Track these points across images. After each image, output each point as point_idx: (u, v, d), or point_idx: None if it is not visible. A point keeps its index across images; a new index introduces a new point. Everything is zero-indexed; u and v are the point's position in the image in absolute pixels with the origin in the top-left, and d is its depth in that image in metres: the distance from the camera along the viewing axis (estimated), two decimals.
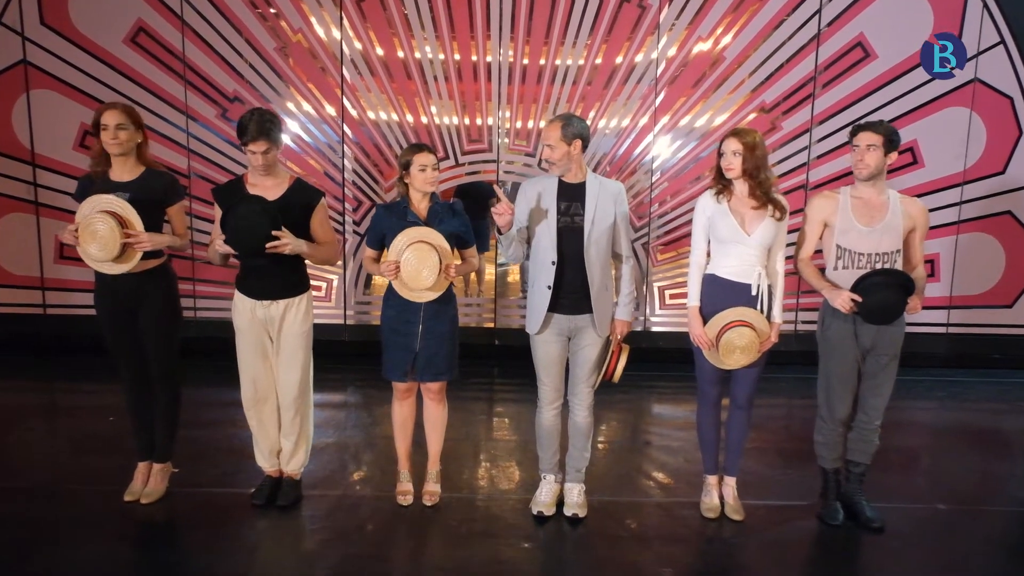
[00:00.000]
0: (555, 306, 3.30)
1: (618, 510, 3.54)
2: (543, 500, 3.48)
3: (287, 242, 3.18)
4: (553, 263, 3.24)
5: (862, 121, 3.35)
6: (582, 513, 3.45)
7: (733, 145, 3.16)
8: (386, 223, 3.38)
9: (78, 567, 3.00)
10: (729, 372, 3.35)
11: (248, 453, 3.98)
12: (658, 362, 5.85)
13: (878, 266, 3.20)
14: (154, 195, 3.32)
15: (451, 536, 3.28)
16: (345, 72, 5.72)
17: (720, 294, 3.26)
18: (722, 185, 3.26)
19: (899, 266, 3.21)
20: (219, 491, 3.67)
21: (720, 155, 3.23)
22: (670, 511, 3.56)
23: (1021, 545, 3.40)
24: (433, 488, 3.62)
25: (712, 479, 3.53)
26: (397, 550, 3.18)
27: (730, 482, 3.53)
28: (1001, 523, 3.54)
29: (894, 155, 3.21)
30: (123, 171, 3.31)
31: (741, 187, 3.23)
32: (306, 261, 3.46)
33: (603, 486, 3.81)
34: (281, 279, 3.39)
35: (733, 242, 3.21)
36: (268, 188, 3.30)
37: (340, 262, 5.92)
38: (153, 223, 3.28)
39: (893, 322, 3.21)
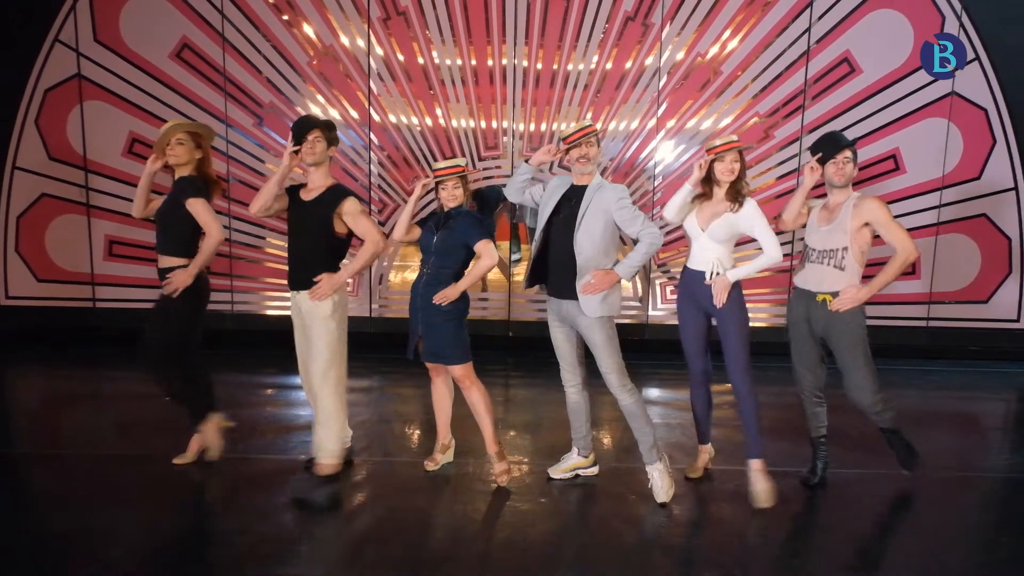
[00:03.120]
0: (549, 286, 3.71)
1: (624, 474, 4.01)
2: (558, 465, 3.97)
3: (323, 289, 3.58)
4: (538, 243, 3.68)
5: (830, 137, 3.76)
6: (660, 498, 3.67)
7: (732, 154, 3.61)
8: (423, 233, 3.84)
9: (147, 524, 3.45)
10: (713, 345, 3.80)
11: (285, 427, 4.52)
12: (658, 352, 6.33)
13: (826, 261, 3.67)
14: (174, 196, 3.75)
15: (476, 493, 3.77)
16: (372, 84, 6.20)
17: (688, 283, 3.79)
18: (707, 189, 3.71)
19: (846, 263, 3.61)
20: (266, 457, 4.15)
21: (716, 162, 3.62)
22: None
23: (970, 503, 3.89)
24: (499, 467, 3.88)
25: (701, 447, 4.05)
26: (429, 505, 3.65)
27: (707, 449, 4.09)
28: (958, 487, 4.01)
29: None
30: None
31: (720, 191, 3.68)
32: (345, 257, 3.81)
33: (612, 455, 4.30)
34: (310, 270, 3.65)
35: (694, 237, 3.73)
36: (311, 191, 3.69)
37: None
38: (176, 221, 3.70)
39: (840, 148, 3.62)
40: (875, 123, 6.13)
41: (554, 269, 3.68)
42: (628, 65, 6.19)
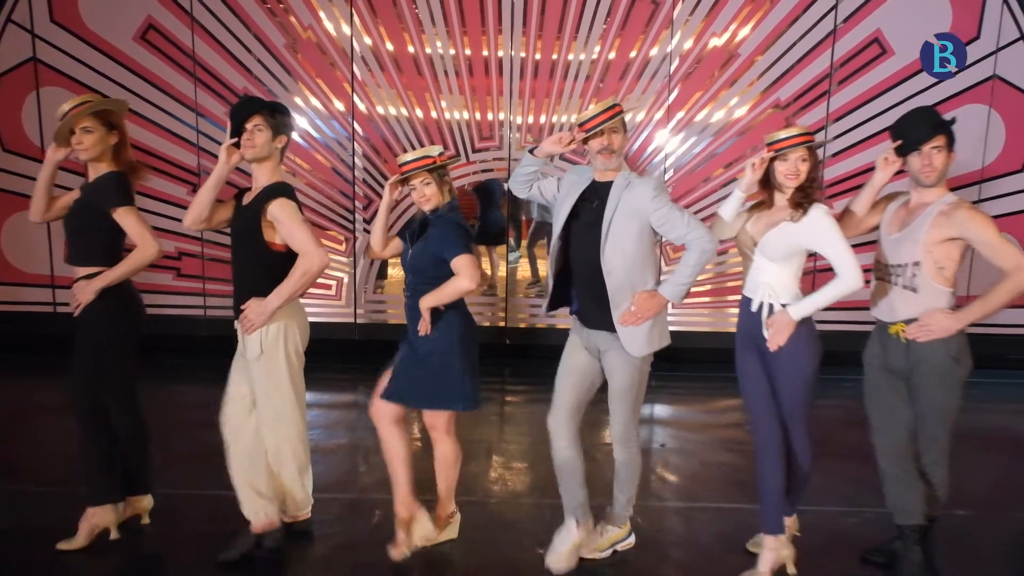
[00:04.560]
0: (578, 314, 3.02)
1: (636, 515, 3.47)
2: (556, 548, 3.02)
3: (249, 319, 2.89)
4: (553, 256, 2.98)
5: (916, 117, 2.88)
6: (586, 554, 3.07)
7: (798, 152, 2.77)
8: (403, 247, 3.13)
9: (95, 566, 3.01)
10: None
11: None
12: (670, 361, 5.78)
13: (894, 280, 2.87)
14: (90, 199, 3.03)
15: (465, 542, 3.23)
16: (356, 69, 5.68)
17: (743, 314, 2.98)
18: (767, 195, 2.89)
19: (919, 282, 2.79)
20: (230, 495, 3.62)
21: (777, 160, 2.79)
22: (688, 517, 3.52)
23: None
24: (429, 532, 3.13)
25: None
26: (410, 557, 3.11)
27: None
28: (1021, 529, 3.48)
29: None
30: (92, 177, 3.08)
31: (782, 196, 2.86)
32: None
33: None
34: (244, 295, 2.94)
35: (748, 255, 2.95)
36: (252, 193, 2.98)
37: (351, 258, 5.88)
38: (93, 228, 3.00)
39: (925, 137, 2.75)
40: (908, 110, 5.56)
41: (580, 291, 2.97)
42: (636, 48, 5.65)
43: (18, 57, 5.62)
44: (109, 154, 3.05)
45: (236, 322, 3.02)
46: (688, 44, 5.64)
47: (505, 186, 6.44)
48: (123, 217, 2.97)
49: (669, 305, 2.90)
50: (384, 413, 3.05)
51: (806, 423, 2.95)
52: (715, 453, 4.25)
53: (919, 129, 2.78)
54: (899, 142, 2.83)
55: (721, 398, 5.35)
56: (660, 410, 5.17)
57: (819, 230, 2.76)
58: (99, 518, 3.14)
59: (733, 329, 5.44)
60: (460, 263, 2.86)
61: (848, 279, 2.73)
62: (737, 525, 3.38)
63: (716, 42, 5.64)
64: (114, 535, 3.17)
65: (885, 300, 2.91)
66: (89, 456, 3.11)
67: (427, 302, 2.89)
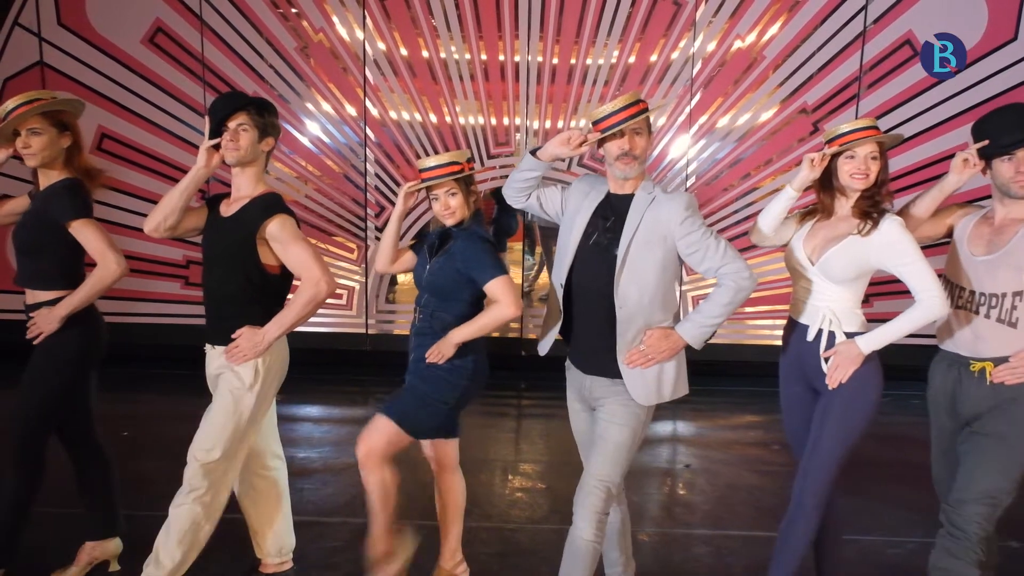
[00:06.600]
0: (571, 354, 2.60)
1: (663, 544, 3.30)
2: None
3: (241, 349, 2.54)
4: (561, 285, 2.51)
5: (1008, 115, 2.42)
6: None
7: (869, 147, 2.38)
8: (417, 258, 2.79)
9: None
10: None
11: None
12: (689, 374, 5.60)
13: (984, 310, 2.38)
14: (42, 211, 2.67)
15: (481, 571, 3.06)
16: (368, 73, 5.54)
17: (793, 341, 2.57)
18: (827, 201, 2.50)
19: (1019, 315, 2.34)
20: (232, 516, 3.47)
21: (842, 158, 2.41)
22: (718, 546, 3.31)
23: None
24: None
25: None
26: None
27: None
28: None
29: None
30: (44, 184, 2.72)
31: (845, 203, 2.47)
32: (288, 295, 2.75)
33: (643, 516, 3.57)
34: (228, 319, 2.58)
35: (801, 273, 2.53)
36: (233, 203, 2.64)
37: (360, 268, 5.73)
38: (46, 245, 2.66)
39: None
40: (940, 115, 5.36)
41: (579, 325, 2.49)
42: (657, 51, 5.48)
43: (25, 61, 5.51)
44: (61, 159, 2.70)
45: (209, 348, 2.69)
46: (711, 46, 5.46)
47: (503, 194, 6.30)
48: (80, 231, 2.63)
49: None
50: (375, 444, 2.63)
51: (824, 485, 2.44)
52: (741, 475, 4.05)
53: (1015, 130, 2.33)
54: (985, 142, 2.39)
55: (743, 414, 5.16)
56: (683, 427, 4.97)
57: (894, 246, 2.35)
58: (100, 550, 2.96)
59: (755, 342, 5.36)
60: (498, 287, 2.48)
61: (930, 305, 2.33)
62: (769, 557, 3.17)
63: (740, 44, 5.46)
64: (114, 567, 2.99)
65: (967, 332, 2.44)
66: (87, 487, 2.93)
67: (460, 335, 2.51)
